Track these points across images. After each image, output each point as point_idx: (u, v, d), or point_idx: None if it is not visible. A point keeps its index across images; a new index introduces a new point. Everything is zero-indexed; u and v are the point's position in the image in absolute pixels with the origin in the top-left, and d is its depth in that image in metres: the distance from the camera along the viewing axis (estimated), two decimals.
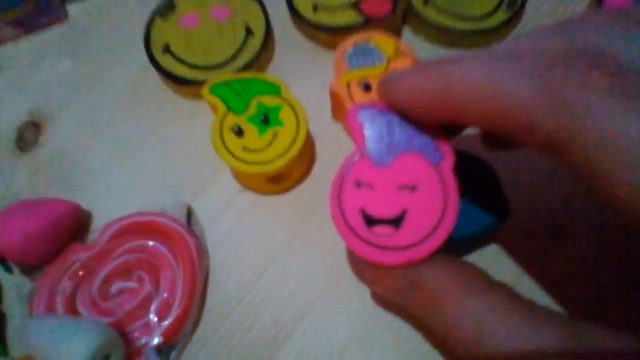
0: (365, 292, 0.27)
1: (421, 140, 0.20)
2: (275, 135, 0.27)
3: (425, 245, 0.19)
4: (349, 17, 0.31)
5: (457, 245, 0.23)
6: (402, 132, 0.20)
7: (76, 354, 0.22)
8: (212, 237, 0.29)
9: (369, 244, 0.19)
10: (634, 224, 0.13)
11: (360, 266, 0.21)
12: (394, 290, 0.20)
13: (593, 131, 0.13)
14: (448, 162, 0.20)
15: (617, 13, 0.15)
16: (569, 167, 0.15)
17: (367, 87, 0.27)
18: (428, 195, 0.20)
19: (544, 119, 0.14)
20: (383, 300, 0.26)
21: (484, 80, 0.16)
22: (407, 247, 0.19)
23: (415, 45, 0.33)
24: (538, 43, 0.16)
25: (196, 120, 0.31)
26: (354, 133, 0.21)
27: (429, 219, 0.19)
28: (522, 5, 0.32)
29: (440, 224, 0.19)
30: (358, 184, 0.20)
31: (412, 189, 0.20)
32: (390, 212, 0.20)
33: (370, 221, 0.20)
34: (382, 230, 0.19)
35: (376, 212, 0.20)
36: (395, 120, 0.20)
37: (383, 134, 0.21)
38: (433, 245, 0.19)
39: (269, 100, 0.28)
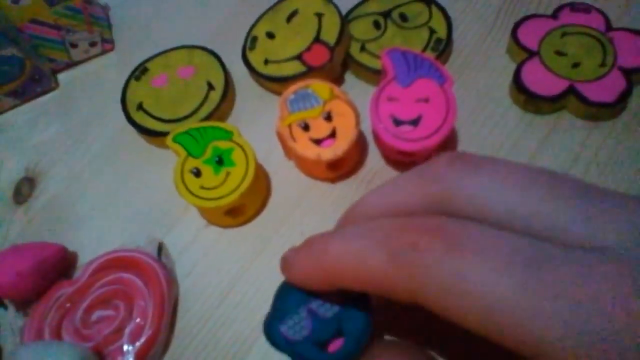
0: None
1: (430, 69, 0.31)
2: (228, 174, 0.31)
3: (434, 137, 0.30)
4: (294, 67, 0.36)
5: None
6: (417, 65, 0.32)
7: None
8: (182, 268, 0.33)
9: (397, 137, 0.30)
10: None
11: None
12: None
13: (431, 281, 0.15)
14: (449, 83, 0.31)
15: (452, 157, 0.18)
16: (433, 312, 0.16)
17: (305, 127, 0.31)
18: (436, 105, 0.30)
19: (395, 282, 0.16)
20: None
21: (348, 258, 0.18)
22: (422, 139, 0.30)
23: (357, 86, 0.37)
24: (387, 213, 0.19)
25: (166, 166, 0.35)
26: (387, 67, 0.32)
27: (437, 120, 0.30)
28: (447, 46, 0.36)
29: (444, 124, 0.30)
30: (389, 99, 0.31)
31: (426, 100, 0.31)
32: (411, 115, 0.31)
33: (397, 122, 0.31)
34: (405, 128, 0.30)
35: (401, 116, 0.31)
36: (411, 56, 0.32)
37: (405, 66, 0.32)
38: (439, 138, 0.29)
39: (223, 144, 0.32)
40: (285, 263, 0.22)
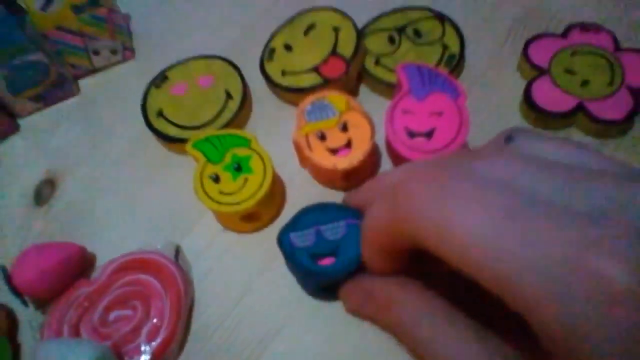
0: (326, 314, 0.31)
1: (445, 84, 0.33)
2: (246, 180, 0.32)
3: (447, 150, 0.31)
4: (311, 79, 0.37)
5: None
6: (432, 80, 0.33)
7: None
8: (198, 271, 0.34)
9: (411, 148, 0.31)
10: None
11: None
12: (357, 305, 0.23)
13: (423, 224, 0.16)
14: (462, 98, 0.32)
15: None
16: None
17: (322, 137, 0.33)
18: (449, 118, 0.32)
19: (397, 230, 0.18)
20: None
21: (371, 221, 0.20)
22: (436, 150, 0.31)
23: (371, 99, 0.38)
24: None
25: (184, 172, 0.37)
26: (402, 80, 0.33)
27: (450, 133, 0.31)
28: (459, 62, 0.37)
29: (457, 137, 0.31)
30: (404, 111, 0.32)
31: (439, 114, 0.32)
32: (425, 128, 0.32)
33: (411, 134, 0.32)
34: (419, 140, 0.32)
35: (415, 128, 0.32)
36: (426, 70, 0.33)
37: (419, 80, 0.33)
38: (452, 149, 0.31)
39: (241, 152, 0.33)
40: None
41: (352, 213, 0.27)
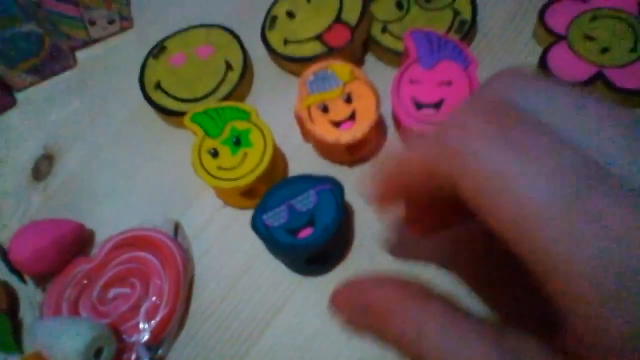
0: (328, 291, 0.30)
1: (454, 51, 0.31)
2: (245, 154, 0.31)
3: None
4: (314, 48, 0.35)
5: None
6: (441, 47, 0.31)
7: (72, 346, 0.26)
8: (198, 248, 0.33)
9: (418, 120, 0.30)
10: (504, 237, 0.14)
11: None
12: (350, 318, 0.20)
13: (473, 170, 0.14)
14: (473, 67, 0.30)
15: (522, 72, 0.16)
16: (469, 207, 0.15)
17: (325, 109, 0.31)
18: (459, 88, 0.30)
19: (437, 166, 0.15)
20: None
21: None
22: None
23: (377, 69, 0.36)
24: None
25: (184, 146, 0.35)
26: (409, 48, 0.31)
27: (460, 103, 0.27)
28: (471, 28, 0.35)
29: None
30: (411, 81, 0.31)
31: (448, 84, 0.30)
32: (433, 99, 0.30)
33: (418, 105, 0.30)
34: (427, 111, 0.30)
35: (423, 99, 0.30)
36: (435, 37, 0.31)
37: (428, 48, 0.31)
38: None
39: (241, 125, 0.32)
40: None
41: (321, 180, 0.28)
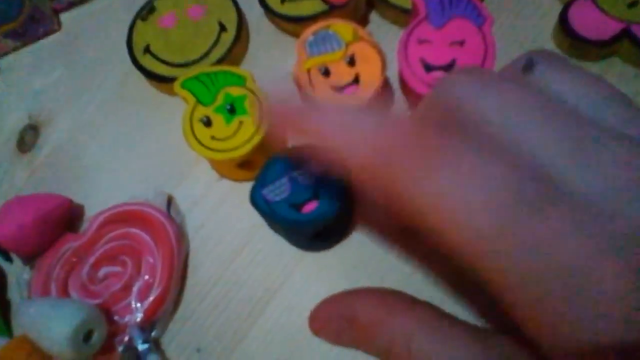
0: (329, 265, 0.28)
1: (467, 7, 0.28)
2: (240, 123, 0.28)
3: None
4: (314, 6, 0.32)
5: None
6: (453, 3, 0.28)
7: (60, 330, 0.24)
8: (192, 222, 0.31)
9: (427, 84, 0.27)
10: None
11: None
12: (335, 333, 0.19)
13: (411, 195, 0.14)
14: (488, 24, 0.28)
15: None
16: None
17: (326, 73, 0.29)
18: (472, 48, 0.27)
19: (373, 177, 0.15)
20: None
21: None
22: None
23: (383, 28, 0.34)
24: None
25: (177, 115, 0.33)
26: (418, 4, 0.28)
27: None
28: None
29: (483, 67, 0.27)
30: (420, 41, 0.28)
31: (461, 43, 0.28)
32: (444, 60, 0.28)
33: (428, 68, 0.28)
34: (437, 74, 0.27)
35: (433, 60, 0.28)
36: None
37: (438, 4, 0.28)
38: None
39: (235, 91, 0.29)
40: None
41: None
